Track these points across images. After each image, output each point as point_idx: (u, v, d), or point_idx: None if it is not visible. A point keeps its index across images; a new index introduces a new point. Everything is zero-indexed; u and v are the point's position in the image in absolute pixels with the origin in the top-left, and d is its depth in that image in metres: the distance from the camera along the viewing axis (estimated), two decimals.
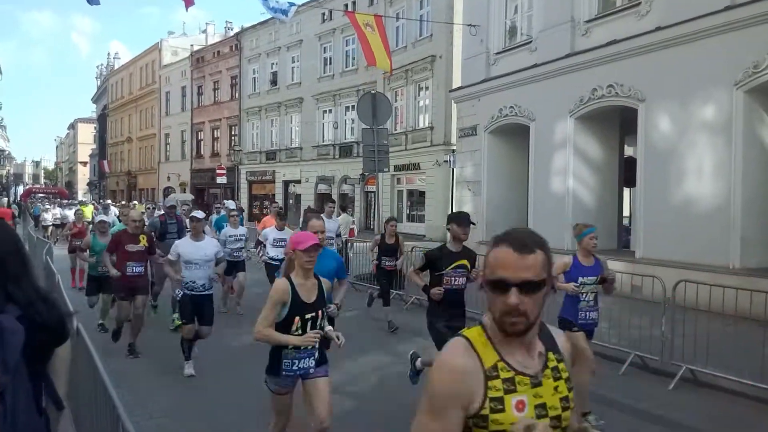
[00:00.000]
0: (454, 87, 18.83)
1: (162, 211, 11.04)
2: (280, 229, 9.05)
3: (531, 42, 14.46)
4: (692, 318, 6.25)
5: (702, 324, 6.42)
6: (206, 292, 6.36)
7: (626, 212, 15.18)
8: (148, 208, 15.31)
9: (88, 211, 21.86)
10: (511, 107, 14.92)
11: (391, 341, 7.88)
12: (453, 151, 20.38)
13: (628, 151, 14.30)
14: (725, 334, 6.94)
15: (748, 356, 5.84)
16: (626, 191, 14.65)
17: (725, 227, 9.84)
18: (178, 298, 6.51)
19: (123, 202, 25.30)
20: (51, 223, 23.56)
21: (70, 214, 21.16)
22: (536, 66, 13.96)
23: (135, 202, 27.22)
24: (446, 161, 21.61)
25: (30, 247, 11.50)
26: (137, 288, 7.09)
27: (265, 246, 9.13)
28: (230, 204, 15.17)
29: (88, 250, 8.43)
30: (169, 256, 6.49)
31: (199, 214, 6.82)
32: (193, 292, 6.26)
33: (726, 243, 9.78)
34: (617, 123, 13.42)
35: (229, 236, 9.52)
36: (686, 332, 6.14)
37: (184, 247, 6.39)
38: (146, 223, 8.68)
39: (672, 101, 10.92)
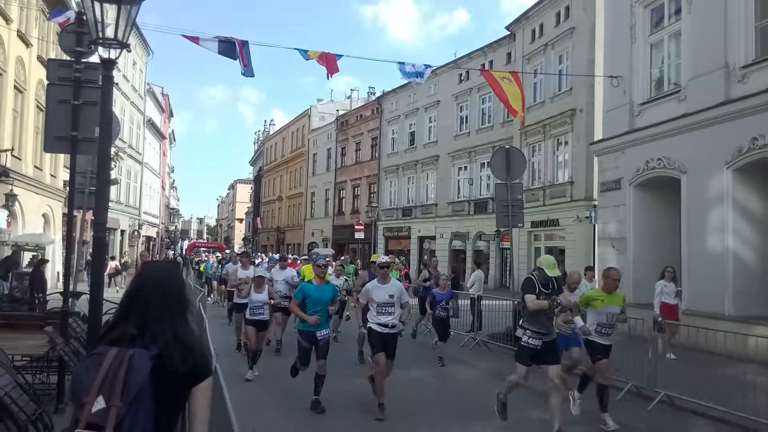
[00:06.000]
0: (595, 140, 18.12)
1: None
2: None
3: (680, 91, 13.58)
4: None
5: None
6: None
7: None
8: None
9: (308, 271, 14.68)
10: (659, 159, 13.97)
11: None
12: (594, 206, 19.44)
13: None
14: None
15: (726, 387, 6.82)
16: None
17: None
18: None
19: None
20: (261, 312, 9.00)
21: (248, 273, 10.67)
22: (686, 115, 13.03)
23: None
24: (587, 217, 20.63)
25: None
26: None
27: None
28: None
29: None
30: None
31: None
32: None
33: None
34: None
35: None
36: None
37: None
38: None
39: None
